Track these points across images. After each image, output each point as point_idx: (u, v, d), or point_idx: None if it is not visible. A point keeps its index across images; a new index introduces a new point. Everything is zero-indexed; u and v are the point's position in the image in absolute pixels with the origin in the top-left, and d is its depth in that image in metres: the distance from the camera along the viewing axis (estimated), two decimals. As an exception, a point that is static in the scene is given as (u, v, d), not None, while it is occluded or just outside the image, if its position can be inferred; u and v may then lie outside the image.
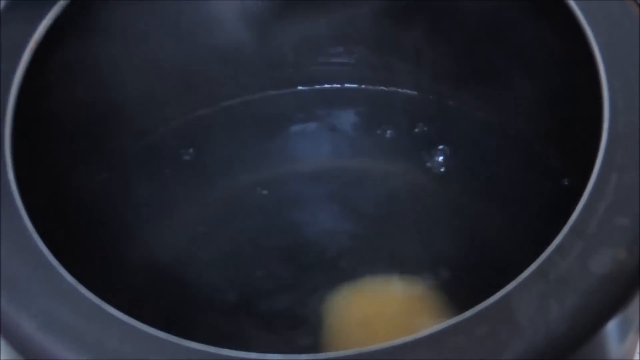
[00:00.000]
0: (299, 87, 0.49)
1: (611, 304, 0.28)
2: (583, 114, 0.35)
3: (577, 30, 0.35)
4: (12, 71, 0.36)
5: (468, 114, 0.47)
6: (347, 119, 0.49)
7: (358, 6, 0.45)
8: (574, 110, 0.38)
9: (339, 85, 0.49)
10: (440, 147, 0.46)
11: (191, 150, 0.47)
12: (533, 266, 0.29)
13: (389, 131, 0.47)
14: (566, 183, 0.42)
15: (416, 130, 0.47)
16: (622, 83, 0.33)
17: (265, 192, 0.46)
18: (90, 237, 0.41)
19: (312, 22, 0.47)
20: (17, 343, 0.29)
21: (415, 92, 0.48)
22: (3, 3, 0.38)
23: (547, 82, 0.41)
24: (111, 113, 0.43)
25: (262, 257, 0.43)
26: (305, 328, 0.40)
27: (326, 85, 0.49)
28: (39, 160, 0.37)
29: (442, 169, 0.46)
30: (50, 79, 0.38)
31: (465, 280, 0.42)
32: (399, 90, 0.48)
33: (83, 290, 0.30)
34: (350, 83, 0.49)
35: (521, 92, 0.43)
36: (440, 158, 0.46)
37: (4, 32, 0.37)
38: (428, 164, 0.46)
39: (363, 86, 0.49)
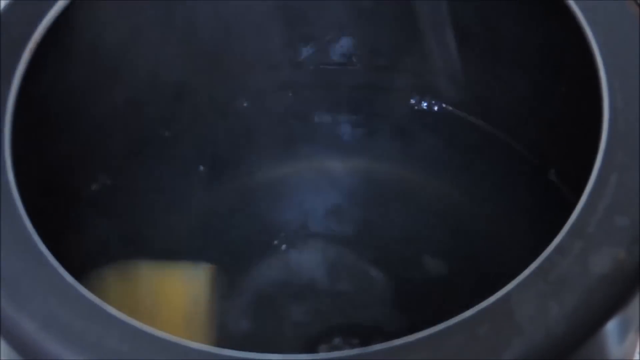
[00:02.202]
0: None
1: (611, 304, 0.28)
2: (581, 113, 0.35)
3: (577, 30, 0.35)
4: (12, 71, 0.36)
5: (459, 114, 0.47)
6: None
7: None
8: (573, 109, 0.38)
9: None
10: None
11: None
12: (533, 266, 0.29)
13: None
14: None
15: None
16: (622, 83, 0.33)
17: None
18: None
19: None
20: (17, 343, 0.29)
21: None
22: (3, 3, 0.38)
23: (546, 82, 0.41)
24: (112, 113, 0.43)
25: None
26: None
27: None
28: (39, 161, 0.37)
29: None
30: (50, 79, 0.38)
31: (460, 278, 0.42)
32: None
33: (83, 290, 0.30)
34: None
35: (519, 92, 0.43)
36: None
37: (4, 32, 0.37)
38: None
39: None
